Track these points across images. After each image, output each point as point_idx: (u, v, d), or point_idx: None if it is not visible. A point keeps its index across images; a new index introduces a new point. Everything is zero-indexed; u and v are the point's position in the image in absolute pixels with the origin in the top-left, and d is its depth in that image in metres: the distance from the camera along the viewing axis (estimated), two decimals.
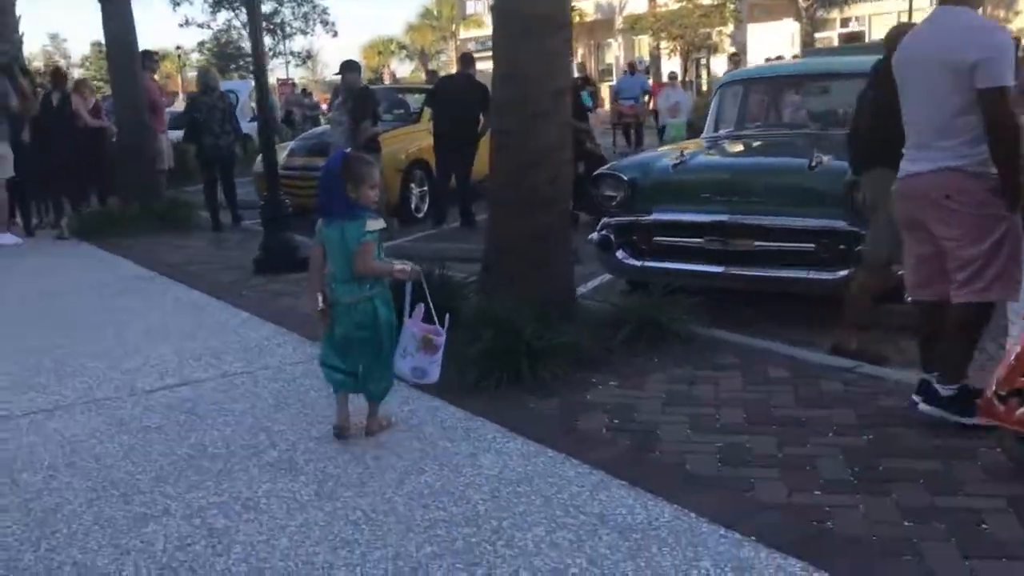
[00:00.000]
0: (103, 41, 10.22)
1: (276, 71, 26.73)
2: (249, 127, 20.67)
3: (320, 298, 3.82)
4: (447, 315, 3.94)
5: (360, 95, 10.14)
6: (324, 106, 31.58)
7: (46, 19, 79.82)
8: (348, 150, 4.48)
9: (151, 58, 11.64)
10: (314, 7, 21.80)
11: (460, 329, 4.68)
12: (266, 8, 21.87)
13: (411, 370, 3.86)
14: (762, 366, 4.63)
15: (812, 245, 5.66)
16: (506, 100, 4.88)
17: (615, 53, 40.15)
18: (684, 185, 6.22)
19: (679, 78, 20.86)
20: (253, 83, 25.85)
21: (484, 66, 11.83)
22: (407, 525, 3.07)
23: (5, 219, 9.98)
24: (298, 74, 32.43)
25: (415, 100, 13.52)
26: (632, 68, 19.79)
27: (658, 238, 6.20)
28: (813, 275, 5.65)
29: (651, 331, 4.96)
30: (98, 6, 11.05)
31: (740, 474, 3.36)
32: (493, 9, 4.96)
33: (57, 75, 11.32)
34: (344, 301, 3.75)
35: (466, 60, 11.19)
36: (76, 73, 53.98)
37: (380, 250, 3.81)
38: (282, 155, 11.29)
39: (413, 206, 11.39)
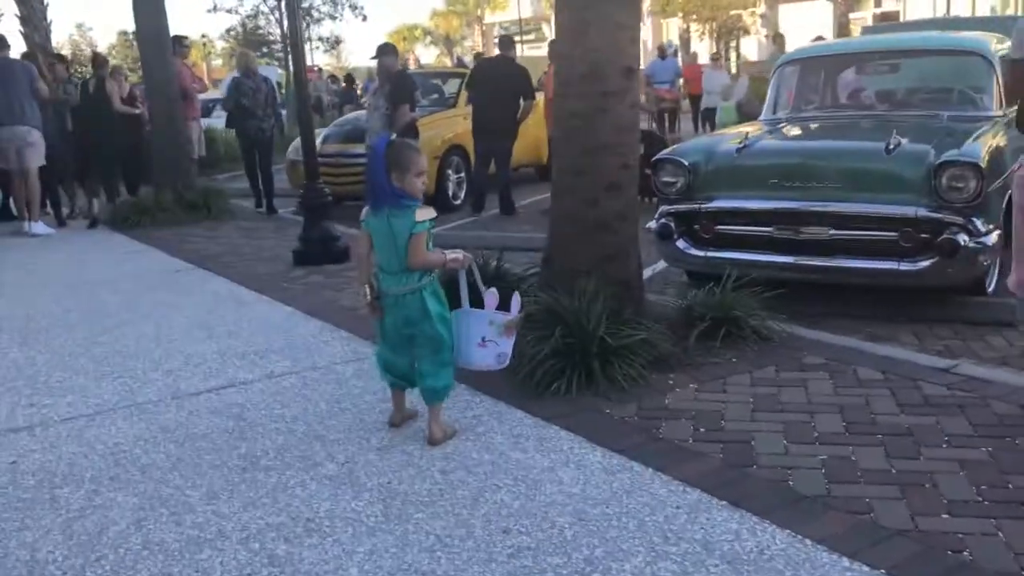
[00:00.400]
0: (130, 29, 10.06)
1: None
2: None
3: (367, 290, 3.60)
4: (515, 293, 3.73)
5: (398, 79, 9.82)
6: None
7: (72, 8, 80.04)
8: (393, 136, 4.23)
9: (182, 43, 11.38)
10: None
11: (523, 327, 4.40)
12: None
13: (497, 357, 3.64)
14: (851, 366, 4.28)
15: (892, 233, 5.30)
16: (572, 78, 4.53)
17: (641, 36, 39.55)
18: (750, 170, 5.87)
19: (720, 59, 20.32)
20: (279, 70, 25.65)
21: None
22: (488, 553, 2.76)
23: (37, 208, 9.77)
24: (323, 60, 31.93)
25: (449, 85, 13.20)
26: (662, 52, 19.08)
27: (722, 227, 5.86)
28: (893, 266, 5.29)
29: (726, 327, 4.62)
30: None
31: (852, 493, 3.02)
32: None
33: (96, 60, 11.17)
34: (392, 292, 3.54)
35: (506, 43, 10.84)
36: None
37: (431, 240, 3.54)
38: (316, 142, 11.02)
39: (450, 193, 11.08)
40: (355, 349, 4.91)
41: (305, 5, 21.50)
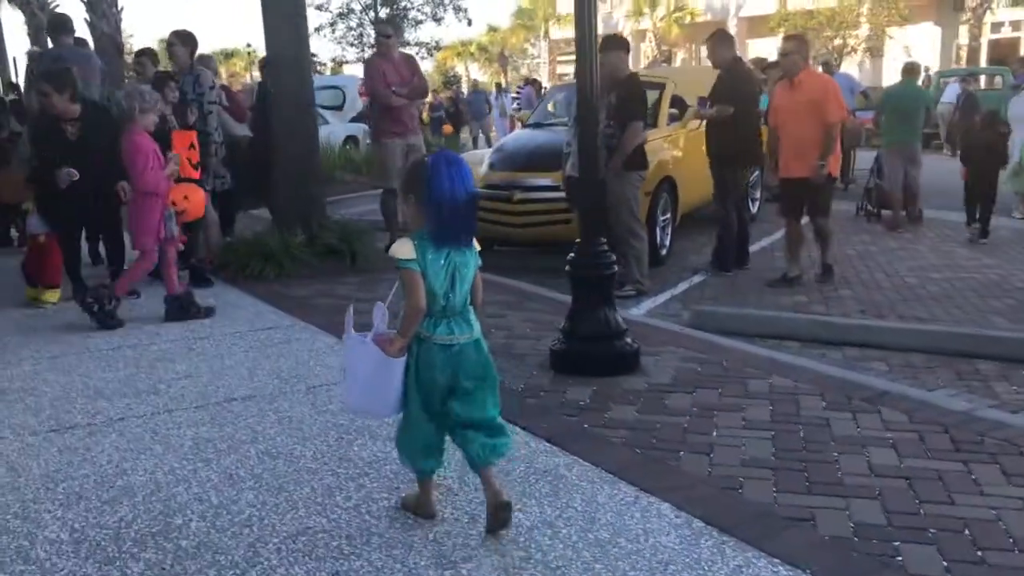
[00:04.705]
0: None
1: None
2: (352, 126, 17.84)
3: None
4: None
5: (628, 85, 7.06)
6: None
7: None
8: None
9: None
10: None
11: None
12: None
13: None
14: None
15: None
16: None
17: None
18: None
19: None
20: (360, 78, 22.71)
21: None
22: None
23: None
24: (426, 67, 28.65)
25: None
26: (828, 67, 15.14)
27: None
28: None
29: None
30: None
31: None
32: None
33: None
34: (460, 341, 2.83)
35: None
36: None
37: None
38: (479, 169, 8.30)
39: (658, 241, 8.24)
40: None
41: (403, 5, 18.82)
